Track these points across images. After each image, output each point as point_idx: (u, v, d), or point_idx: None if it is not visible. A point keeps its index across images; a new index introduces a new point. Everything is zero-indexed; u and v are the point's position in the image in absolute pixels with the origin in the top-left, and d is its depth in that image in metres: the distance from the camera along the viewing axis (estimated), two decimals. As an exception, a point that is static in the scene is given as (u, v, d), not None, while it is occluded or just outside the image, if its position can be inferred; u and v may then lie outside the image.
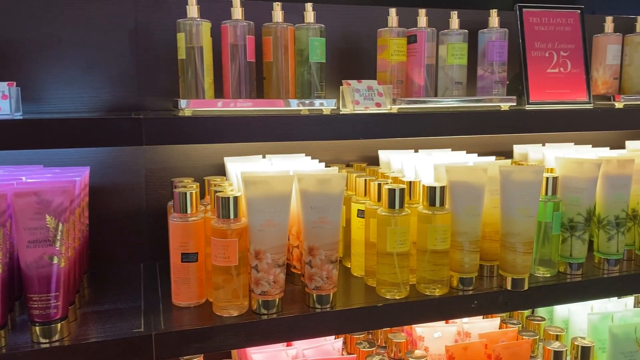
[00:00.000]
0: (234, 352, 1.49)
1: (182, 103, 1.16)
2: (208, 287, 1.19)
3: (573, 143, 1.82)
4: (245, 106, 1.20)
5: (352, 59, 1.60)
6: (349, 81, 1.31)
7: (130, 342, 1.05)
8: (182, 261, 1.16)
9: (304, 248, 1.17)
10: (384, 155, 1.59)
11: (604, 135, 1.94)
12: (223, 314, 1.13)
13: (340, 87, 1.33)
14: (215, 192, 1.15)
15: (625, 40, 1.64)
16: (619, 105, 1.52)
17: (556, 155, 1.39)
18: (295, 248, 1.30)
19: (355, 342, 1.39)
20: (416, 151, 1.63)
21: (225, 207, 1.11)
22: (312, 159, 1.46)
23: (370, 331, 1.54)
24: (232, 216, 1.11)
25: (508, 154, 1.77)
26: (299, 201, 1.16)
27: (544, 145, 1.73)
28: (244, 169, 1.20)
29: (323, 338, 1.38)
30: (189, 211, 1.16)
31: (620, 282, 1.39)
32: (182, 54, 1.26)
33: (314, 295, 1.17)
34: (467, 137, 1.83)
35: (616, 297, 1.67)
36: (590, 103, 1.52)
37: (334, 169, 1.26)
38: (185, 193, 1.15)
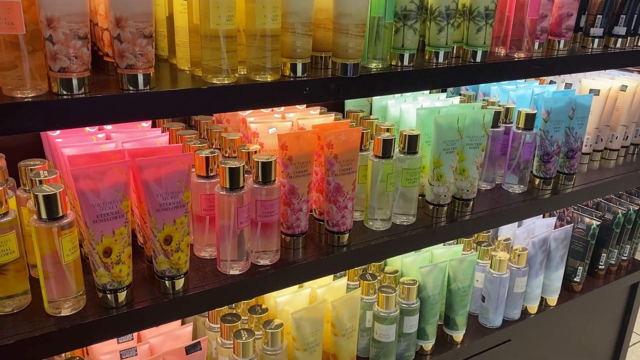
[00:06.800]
0: (46, 148, 1.33)
1: None
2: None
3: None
4: None
5: None
6: None
7: None
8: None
9: (110, 20, 1.01)
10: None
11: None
12: (16, 95, 0.97)
13: None
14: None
15: None
16: None
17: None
18: (105, 31, 1.14)
19: (186, 140, 1.31)
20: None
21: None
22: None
23: (204, 136, 1.47)
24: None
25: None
26: (98, -39, 0.98)
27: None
28: None
29: (146, 132, 1.28)
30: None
31: (447, 73, 1.43)
32: None
33: (126, 75, 1.04)
34: None
35: (444, 96, 1.76)
36: None
37: None
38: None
